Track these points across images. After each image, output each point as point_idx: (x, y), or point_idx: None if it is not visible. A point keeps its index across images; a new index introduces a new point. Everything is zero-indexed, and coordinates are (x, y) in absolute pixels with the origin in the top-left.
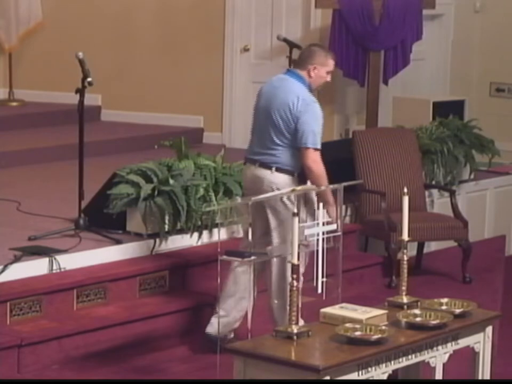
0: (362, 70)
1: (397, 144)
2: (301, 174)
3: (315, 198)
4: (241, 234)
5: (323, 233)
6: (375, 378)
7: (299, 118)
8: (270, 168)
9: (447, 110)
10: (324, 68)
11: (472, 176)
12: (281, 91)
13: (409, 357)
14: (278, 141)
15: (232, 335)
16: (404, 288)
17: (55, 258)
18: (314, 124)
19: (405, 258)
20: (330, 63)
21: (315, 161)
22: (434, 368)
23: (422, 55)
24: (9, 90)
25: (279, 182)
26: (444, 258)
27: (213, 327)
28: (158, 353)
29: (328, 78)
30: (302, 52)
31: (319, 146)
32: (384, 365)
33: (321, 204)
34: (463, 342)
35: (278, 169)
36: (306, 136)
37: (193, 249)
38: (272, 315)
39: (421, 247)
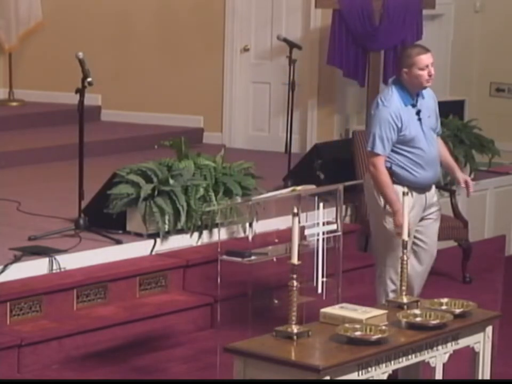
0: (362, 70)
1: None
2: None
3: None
4: (241, 234)
5: (323, 233)
6: (375, 378)
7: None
8: None
9: (447, 110)
10: (413, 67)
11: (472, 176)
12: None
13: (409, 357)
14: None
15: None
16: (403, 288)
17: (55, 258)
18: (376, 127)
19: (405, 258)
20: (417, 60)
21: (371, 164)
22: (434, 368)
23: None
24: (9, 90)
25: (368, 182)
26: (443, 258)
27: None
28: (158, 353)
29: (427, 73)
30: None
31: (376, 151)
32: (384, 365)
33: (321, 204)
34: (463, 342)
35: None
36: (368, 139)
37: (193, 249)
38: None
39: None
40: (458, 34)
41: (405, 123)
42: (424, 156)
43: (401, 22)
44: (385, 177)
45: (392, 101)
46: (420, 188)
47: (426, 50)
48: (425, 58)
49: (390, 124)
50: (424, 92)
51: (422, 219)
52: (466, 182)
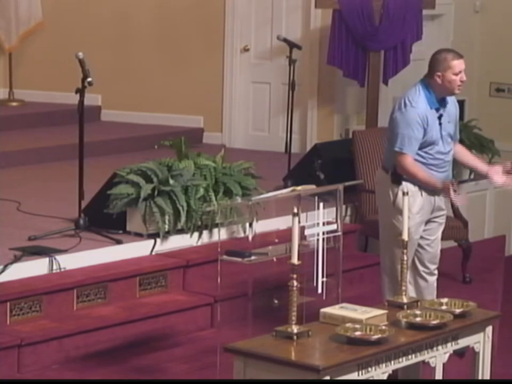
0: (362, 70)
1: None
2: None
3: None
4: (241, 234)
5: (323, 233)
6: (375, 378)
7: (393, 121)
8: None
9: None
10: (448, 71)
11: (472, 176)
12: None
13: (409, 357)
14: (387, 143)
15: None
16: (403, 288)
17: (55, 258)
18: (404, 128)
19: (405, 258)
20: (454, 64)
21: (400, 164)
22: (434, 368)
23: (422, 55)
24: (9, 90)
25: (379, 178)
26: (443, 258)
27: None
28: (158, 353)
29: (460, 78)
30: (429, 60)
31: (406, 151)
32: (384, 365)
33: (321, 204)
34: (463, 342)
35: (382, 167)
36: (395, 139)
37: (193, 249)
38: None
39: None
40: (458, 34)
41: (430, 126)
42: (440, 158)
43: (401, 22)
44: (417, 171)
45: (419, 102)
46: (431, 189)
47: (460, 56)
48: (460, 64)
49: (419, 124)
50: (448, 97)
51: (428, 221)
52: (489, 171)
